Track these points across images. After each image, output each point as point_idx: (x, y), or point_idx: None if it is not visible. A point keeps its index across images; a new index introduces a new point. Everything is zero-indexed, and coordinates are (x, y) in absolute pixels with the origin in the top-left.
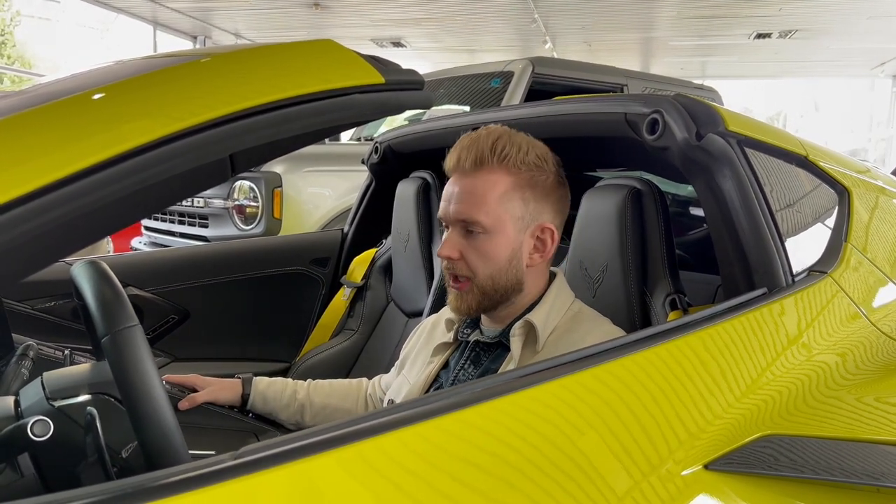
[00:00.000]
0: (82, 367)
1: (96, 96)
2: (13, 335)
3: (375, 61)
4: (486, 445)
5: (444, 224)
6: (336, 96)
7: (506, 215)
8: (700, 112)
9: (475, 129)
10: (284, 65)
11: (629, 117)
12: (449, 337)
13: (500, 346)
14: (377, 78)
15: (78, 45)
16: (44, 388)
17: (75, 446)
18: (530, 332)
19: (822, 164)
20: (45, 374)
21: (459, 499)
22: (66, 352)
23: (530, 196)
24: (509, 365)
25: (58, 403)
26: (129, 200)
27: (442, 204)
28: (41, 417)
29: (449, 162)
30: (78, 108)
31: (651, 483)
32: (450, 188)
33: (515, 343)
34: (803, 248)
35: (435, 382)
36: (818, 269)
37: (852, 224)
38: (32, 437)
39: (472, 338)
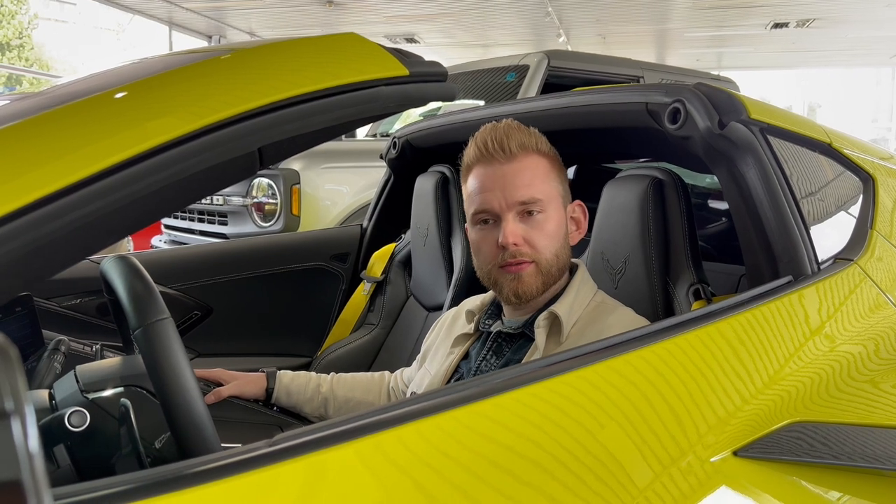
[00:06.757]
0: (115, 360)
1: (119, 94)
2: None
3: (399, 53)
4: (503, 438)
5: (486, 217)
6: (361, 89)
7: (554, 192)
8: (722, 100)
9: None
10: (309, 58)
11: (650, 107)
12: (469, 328)
13: (522, 337)
14: (401, 70)
15: (94, 46)
16: (77, 381)
17: (110, 437)
18: (554, 323)
19: (846, 151)
20: (79, 367)
21: (472, 493)
22: (97, 347)
23: (562, 175)
24: (534, 355)
25: (92, 396)
26: (159, 195)
27: (482, 196)
28: (78, 408)
29: (473, 154)
30: (102, 106)
31: (680, 469)
32: (488, 178)
33: (540, 334)
34: (828, 236)
35: (456, 373)
36: (844, 257)
37: (877, 211)
38: (70, 427)
39: (495, 328)
